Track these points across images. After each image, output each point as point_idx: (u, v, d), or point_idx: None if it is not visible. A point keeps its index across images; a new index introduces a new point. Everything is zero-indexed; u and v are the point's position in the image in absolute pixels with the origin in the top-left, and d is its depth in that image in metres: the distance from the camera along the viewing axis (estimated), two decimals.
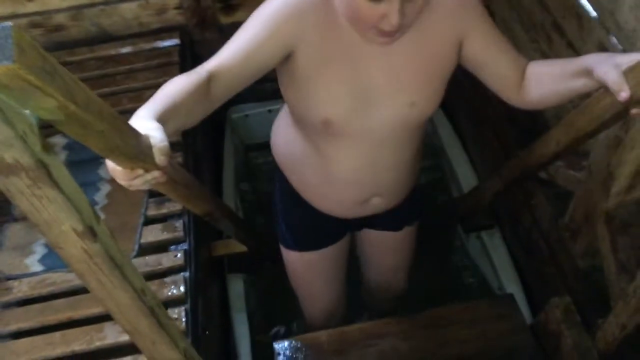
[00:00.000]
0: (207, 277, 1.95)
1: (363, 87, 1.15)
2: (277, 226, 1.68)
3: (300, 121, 1.29)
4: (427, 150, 2.92)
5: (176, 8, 2.42)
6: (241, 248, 2.08)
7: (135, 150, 0.86)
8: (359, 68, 1.13)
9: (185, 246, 1.80)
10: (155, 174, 0.94)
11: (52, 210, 0.71)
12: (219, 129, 2.77)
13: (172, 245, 1.80)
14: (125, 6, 2.36)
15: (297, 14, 1.08)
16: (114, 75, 2.25)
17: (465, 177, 2.52)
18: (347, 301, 2.01)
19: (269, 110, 2.85)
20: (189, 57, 2.40)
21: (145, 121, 0.89)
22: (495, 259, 2.30)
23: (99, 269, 0.81)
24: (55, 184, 0.69)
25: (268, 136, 1.57)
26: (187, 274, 1.74)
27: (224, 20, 2.52)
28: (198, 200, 1.32)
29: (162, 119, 0.92)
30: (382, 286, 2.02)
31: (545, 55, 1.98)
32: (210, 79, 1.05)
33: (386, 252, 1.85)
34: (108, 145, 0.77)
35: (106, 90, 2.19)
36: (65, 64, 2.29)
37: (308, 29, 1.09)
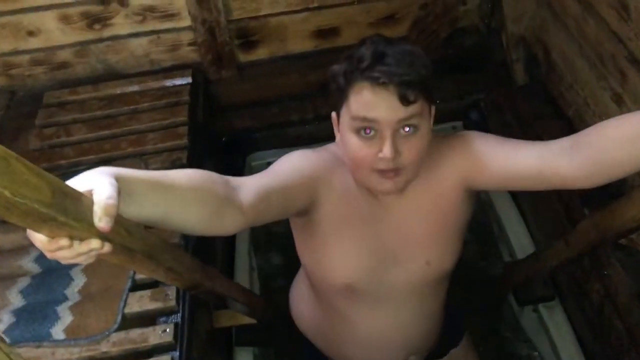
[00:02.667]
0: (205, 355, 1.62)
1: (379, 248, 1.14)
2: None
3: (318, 284, 1.27)
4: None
5: (190, 44, 2.19)
6: (249, 320, 1.75)
7: (51, 210, 0.60)
8: (375, 230, 1.13)
9: (177, 318, 1.48)
10: (94, 244, 0.69)
11: None
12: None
13: (161, 316, 1.49)
14: (134, 42, 2.15)
15: (324, 169, 1.09)
16: (117, 116, 2.02)
17: (518, 238, 2.15)
18: None
19: None
20: (201, 97, 2.15)
21: (95, 174, 0.70)
22: (556, 338, 1.92)
23: None
24: None
25: None
26: (176, 353, 1.41)
27: (243, 58, 2.29)
28: (176, 270, 1.02)
29: (134, 187, 0.74)
30: None
31: (617, 96, 1.65)
32: (232, 185, 0.93)
33: None
34: None
35: (106, 132, 1.95)
36: (66, 103, 2.07)
37: (331, 186, 1.10)
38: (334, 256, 1.14)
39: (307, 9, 2.22)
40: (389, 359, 1.35)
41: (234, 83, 2.28)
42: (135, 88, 2.10)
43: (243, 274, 2.15)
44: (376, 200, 1.12)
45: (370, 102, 0.95)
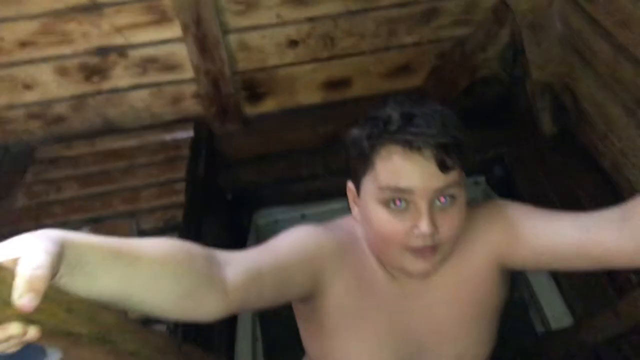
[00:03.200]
0: None
1: (402, 342, 0.98)
2: None
3: None
4: None
5: (193, 97, 2.08)
6: None
7: None
8: (396, 321, 0.97)
9: None
10: (13, 329, 0.53)
11: None
12: (240, 238, 2.32)
13: None
14: (135, 94, 2.04)
15: (334, 248, 0.93)
16: (111, 172, 1.89)
17: (552, 306, 1.92)
18: None
19: (302, 216, 2.39)
20: (204, 151, 2.01)
21: (31, 238, 0.56)
22: None
23: None
24: None
25: None
26: None
27: (249, 110, 2.17)
28: (142, 354, 0.83)
29: (86, 256, 0.60)
30: None
31: None
32: (218, 260, 0.77)
33: None
34: None
35: (98, 189, 1.82)
36: (60, 158, 1.95)
37: (343, 269, 0.94)
38: (347, 353, 0.97)
39: (317, 60, 2.10)
40: None
41: (239, 137, 2.15)
42: (133, 143, 1.98)
43: (245, 345, 1.94)
44: (398, 285, 0.97)
45: (402, 169, 0.82)
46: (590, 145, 1.82)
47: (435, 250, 0.86)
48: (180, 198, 1.75)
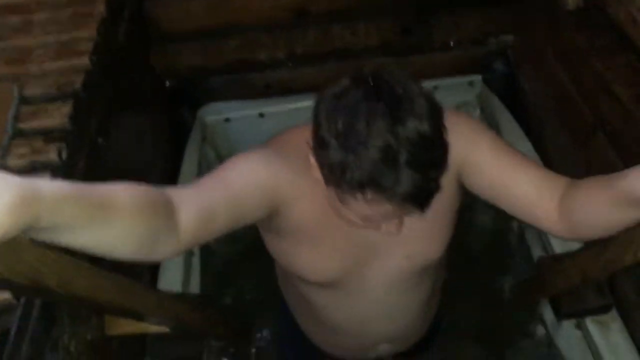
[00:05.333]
0: None
1: (357, 245, 1.02)
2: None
3: (294, 278, 1.14)
4: None
5: None
6: (157, 328, 1.16)
7: None
8: (351, 229, 0.95)
9: (9, 321, 0.89)
10: None
11: None
12: (181, 135, 1.90)
13: None
14: None
15: (289, 173, 0.93)
16: (1, 28, 1.43)
17: None
18: None
19: (261, 114, 1.97)
20: (127, 14, 1.56)
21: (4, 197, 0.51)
22: None
23: None
24: None
25: None
26: None
27: None
28: None
29: (61, 220, 0.59)
30: None
31: None
32: (173, 204, 0.78)
33: None
34: None
35: None
36: None
37: (299, 191, 0.94)
38: (308, 259, 1.03)
39: None
40: (358, 344, 1.29)
41: (178, 1, 1.69)
42: None
43: (174, 261, 1.56)
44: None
45: (378, 213, 0.81)
46: (625, 20, 1.40)
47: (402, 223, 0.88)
48: (84, 60, 1.31)
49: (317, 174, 0.84)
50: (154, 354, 1.35)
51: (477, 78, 1.99)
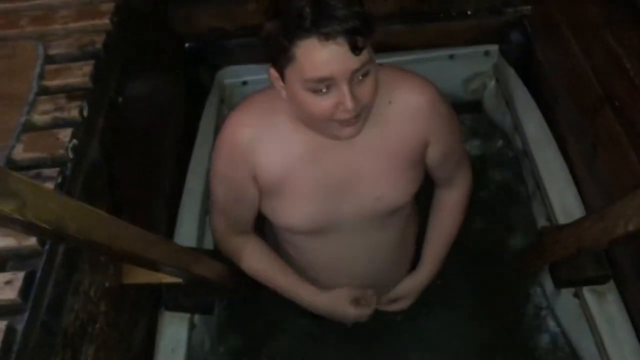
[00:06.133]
0: (91, 324, 1.11)
1: (329, 187, 1.16)
2: None
3: (278, 231, 1.35)
4: (504, 158, 2.04)
5: None
6: (171, 279, 1.23)
7: None
8: (324, 169, 1.14)
9: (35, 266, 0.96)
10: None
11: None
12: (200, 96, 1.95)
13: (14, 260, 0.97)
14: None
15: (253, 141, 1.12)
16: None
17: (562, 195, 1.60)
18: None
19: None
20: None
21: None
22: (605, 335, 1.38)
23: None
24: None
25: None
26: (22, 318, 0.90)
27: None
28: None
29: None
30: None
31: None
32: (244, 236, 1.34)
33: None
34: None
35: (3, 5, 1.42)
36: None
37: (266, 151, 1.12)
38: (287, 209, 1.19)
39: None
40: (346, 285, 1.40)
41: None
42: None
43: (189, 218, 1.63)
44: (325, 140, 1.09)
45: (321, 60, 0.91)
46: None
47: (359, 118, 1.00)
48: (104, 21, 1.36)
49: (279, 85, 0.99)
50: (169, 303, 1.43)
51: (494, 48, 1.99)
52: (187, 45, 1.94)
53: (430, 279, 1.45)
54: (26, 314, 0.91)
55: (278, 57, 0.94)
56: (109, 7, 1.40)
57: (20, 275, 0.93)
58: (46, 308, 0.95)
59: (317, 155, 1.12)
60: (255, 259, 1.36)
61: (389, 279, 1.45)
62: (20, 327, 0.90)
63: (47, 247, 0.98)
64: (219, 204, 1.28)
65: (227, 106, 2.04)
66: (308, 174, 1.13)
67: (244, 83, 2.04)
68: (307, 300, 1.37)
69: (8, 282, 0.92)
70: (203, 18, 1.86)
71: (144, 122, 1.55)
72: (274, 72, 0.99)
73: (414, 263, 1.47)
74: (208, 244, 1.67)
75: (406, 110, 1.12)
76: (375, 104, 1.04)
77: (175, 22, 1.84)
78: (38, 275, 0.95)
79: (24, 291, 0.92)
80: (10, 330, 0.87)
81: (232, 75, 2.03)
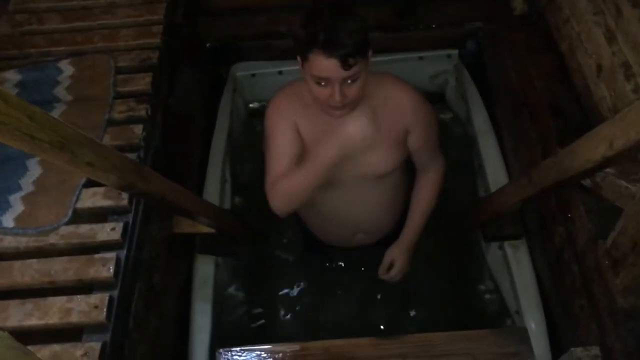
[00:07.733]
0: (158, 258, 1.63)
1: (337, 146, 1.43)
2: None
3: None
4: (460, 140, 2.53)
5: None
6: (208, 229, 1.74)
7: None
8: (332, 133, 1.44)
9: (127, 218, 1.48)
10: None
11: None
12: (217, 87, 2.43)
13: (113, 214, 1.49)
14: None
15: (296, 108, 1.55)
16: (92, 8, 1.94)
17: (495, 175, 2.11)
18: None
19: (280, 72, 2.49)
20: None
21: None
22: (517, 277, 1.91)
23: None
24: None
25: None
26: (123, 252, 1.42)
27: None
28: (98, 166, 0.97)
29: None
30: None
31: (610, 33, 1.55)
32: None
33: None
34: None
35: (79, 24, 1.89)
36: None
37: (302, 116, 1.55)
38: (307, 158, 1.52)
39: None
40: (340, 231, 1.84)
41: None
42: None
43: (213, 186, 2.13)
44: (333, 119, 1.46)
45: (324, 68, 1.31)
46: (554, 27, 1.89)
47: (345, 107, 1.40)
48: (157, 40, 1.83)
49: (304, 73, 1.37)
50: (201, 249, 1.94)
51: (454, 52, 2.47)
52: (208, 45, 2.41)
53: (410, 243, 1.79)
54: (125, 249, 1.43)
55: (301, 53, 1.34)
56: (158, 28, 1.87)
57: (120, 224, 1.45)
58: (135, 246, 1.47)
59: (331, 127, 1.44)
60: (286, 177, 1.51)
61: (379, 226, 1.85)
62: (122, 256, 1.42)
63: (133, 205, 1.50)
64: (277, 156, 1.53)
65: (239, 94, 2.53)
66: (326, 134, 1.45)
67: (253, 75, 2.52)
68: (320, 155, 1.44)
69: (113, 229, 1.44)
70: (223, 25, 2.33)
71: (182, 112, 2.04)
72: (300, 60, 1.37)
73: (402, 219, 1.83)
74: (227, 205, 2.18)
75: (396, 106, 1.53)
76: (376, 99, 1.48)
77: (200, 28, 2.31)
78: (129, 226, 1.47)
79: (123, 234, 1.44)
80: (118, 260, 1.40)
81: (243, 69, 2.50)
